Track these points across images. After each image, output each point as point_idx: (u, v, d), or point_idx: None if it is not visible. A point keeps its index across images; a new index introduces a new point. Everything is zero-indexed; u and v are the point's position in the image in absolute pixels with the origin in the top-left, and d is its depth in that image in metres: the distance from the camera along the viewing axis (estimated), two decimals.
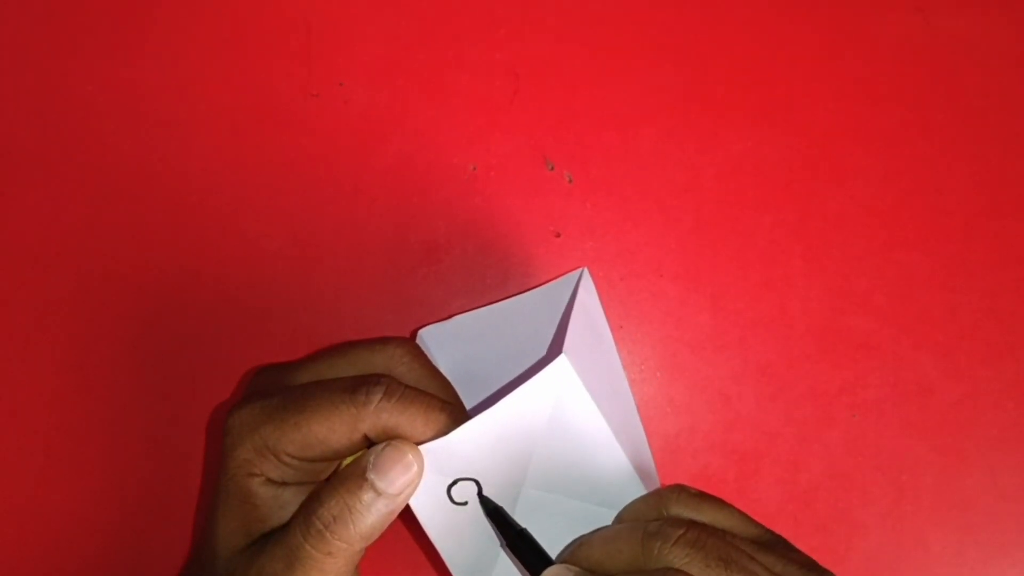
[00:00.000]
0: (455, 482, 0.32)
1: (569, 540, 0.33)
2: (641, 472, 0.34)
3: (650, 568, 0.30)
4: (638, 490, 0.34)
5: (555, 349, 0.32)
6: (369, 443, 0.31)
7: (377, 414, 0.30)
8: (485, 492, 0.32)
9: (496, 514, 0.32)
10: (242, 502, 0.31)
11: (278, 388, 0.32)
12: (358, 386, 0.31)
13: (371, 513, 0.30)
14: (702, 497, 0.33)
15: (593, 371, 0.34)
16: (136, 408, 0.41)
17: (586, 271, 0.40)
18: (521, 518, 0.33)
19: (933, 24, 0.44)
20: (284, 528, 0.31)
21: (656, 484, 0.38)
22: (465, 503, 0.32)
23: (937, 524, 0.41)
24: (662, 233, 0.43)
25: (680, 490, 0.33)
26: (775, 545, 0.32)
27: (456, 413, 0.31)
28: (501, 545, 0.33)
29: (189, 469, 0.41)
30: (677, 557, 0.29)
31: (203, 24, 0.43)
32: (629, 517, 0.34)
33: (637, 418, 0.40)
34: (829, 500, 0.41)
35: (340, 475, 0.30)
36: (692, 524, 0.30)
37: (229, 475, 0.31)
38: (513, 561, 0.34)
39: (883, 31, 0.44)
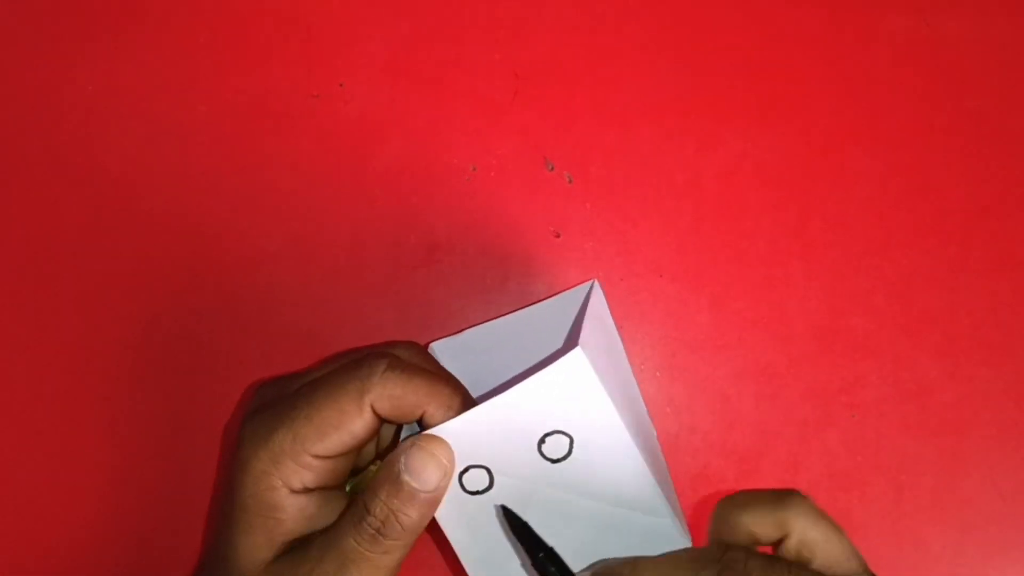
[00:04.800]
0: (467, 469, 0.32)
1: (584, 542, 0.33)
2: (657, 474, 0.33)
3: None
4: (653, 492, 0.33)
5: (570, 343, 0.31)
6: (380, 421, 0.31)
7: (383, 384, 0.31)
8: (496, 482, 0.32)
9: (523, 530, 0.32)
10: (265, 516, 0.31)
11: (284, 396, 0.33)
12: (360, 362, 0.32)
13: (415, 510, 0.31)
14: (822, 514, 0.31)
15: (607, 372, 0.34)
16: (137, 408, 0.41)
17: (597, 283, 0.39)
18: (535, 515, 0.32)
19: (933, 24, 0.44)
20: (328, 534, 0.31)
21: (672, 489, 0.37)
22: (478, 491, 0.32)
23: (936, 524, 0.41)
24: (662, 233, 0.43)
25: (804, 498, 0.31)
26: None
27: (459, 388, 0.31)
28: (523, 565, 0.33)
29: (192, 471, 0.41)
30: None
31: (203, 24, 0.43)
32: (744, 509, 0.31)
33: (651, 429, 0.39)
34: (829, 500, 0.41)
35: (378, 480, 0.31)
36: (768, 565, 0.28)
37: (248, 490, 0.31)
38: None
39: (883, 31, 0.44)
